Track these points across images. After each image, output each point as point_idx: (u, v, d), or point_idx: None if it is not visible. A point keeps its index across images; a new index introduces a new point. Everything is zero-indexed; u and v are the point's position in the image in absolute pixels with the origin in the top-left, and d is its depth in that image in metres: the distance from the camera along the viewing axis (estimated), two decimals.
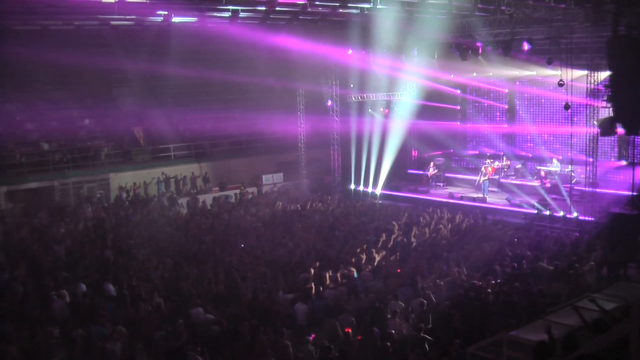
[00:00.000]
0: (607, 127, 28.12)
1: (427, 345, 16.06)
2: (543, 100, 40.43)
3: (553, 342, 10.95)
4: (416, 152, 45.89)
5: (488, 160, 39.81)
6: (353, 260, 23.18)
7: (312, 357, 15.87)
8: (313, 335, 17.11)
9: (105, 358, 16.42)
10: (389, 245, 25.59)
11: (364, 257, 23.37)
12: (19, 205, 36.21)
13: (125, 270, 23.30)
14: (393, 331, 16.69)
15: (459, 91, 44.57)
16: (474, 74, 41.21)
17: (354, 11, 34.53)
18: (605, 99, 28.55)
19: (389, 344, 15.94)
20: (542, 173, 36.66)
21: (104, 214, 33.61)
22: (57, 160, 38.44)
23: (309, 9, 33.54)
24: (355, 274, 21.58)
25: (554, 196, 35.00)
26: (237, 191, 39.79)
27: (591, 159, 31.54)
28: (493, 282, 20.45)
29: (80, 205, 36.15)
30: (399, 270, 22.16)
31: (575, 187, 33.77)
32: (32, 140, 39.63)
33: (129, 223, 31.88)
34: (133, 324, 18.40)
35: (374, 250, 24.40)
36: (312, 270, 21.55)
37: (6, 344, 16.73)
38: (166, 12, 32.33)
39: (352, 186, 42.18)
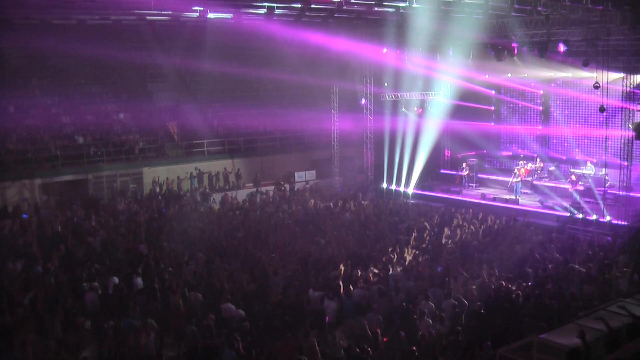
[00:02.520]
0: None
1: (457, 347, 16.01)
2: (578, 103, 40.10)
3: (587, 347, 10.87)
4: (449, 152, 45.73)
5: (521, 162, 39.59)
6: (384, 259, 23.18)
7: (340, 355, 15.87)
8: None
9: (136, 351, 16.55)
10: (422, 246, 25.56)
11: (395, 256, 23.35)
12: (53, 198, 36.57)
13: (157, 264, 23.47)
14: (422, 332, 16.67)
15: (493, 92, 44.33)
16: (509, 75, 41.04)
17: (389, 10, 34.48)
18: None
19: (416, 345, 15.92)
20: (573, 177, 36.35)
21: (137, 208, 33.84)
22: (92, 154, 38.76)
23: (345, 7, 33.53)
24: (388, 273, 21.59)
25: (588, 199, 34.75)
26: (269, 188, 39.86)
27: (626, 163, 31.22)
28: (525, 284, 20.37)
29: (113, 199, 36.46)
30: (427, 270, 22.12)
31: (609, 191, 33.49)
32: (68, 133, 40.00)
33: (162, 217, 32.10)
34: (163, 318, 18.52)
35: (405, 249, 24.38)
36: (342, 269, 21.55)
37: (45, 339, 16.94)
38: (202, 8, 32.44)
39: (385, 185, 42.12)
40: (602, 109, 30.70)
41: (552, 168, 39.75)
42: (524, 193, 37.60)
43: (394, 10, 34.37)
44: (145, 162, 40.25)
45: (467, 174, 41.23)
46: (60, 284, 21.53)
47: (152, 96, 45.09)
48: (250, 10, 35.07)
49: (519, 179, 37.57)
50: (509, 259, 23.51)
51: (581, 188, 35.84)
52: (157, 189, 38.57)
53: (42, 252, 25.68)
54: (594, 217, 31.54)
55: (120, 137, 41.16)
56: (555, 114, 41.56)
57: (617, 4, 27.85)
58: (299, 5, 33.81)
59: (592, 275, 21.39)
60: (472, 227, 28.42)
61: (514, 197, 36.40)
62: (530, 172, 38.85)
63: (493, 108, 44.87)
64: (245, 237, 27.58)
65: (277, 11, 34.27)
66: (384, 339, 16.74)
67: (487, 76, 41.51)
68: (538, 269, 22.12)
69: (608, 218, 30.96)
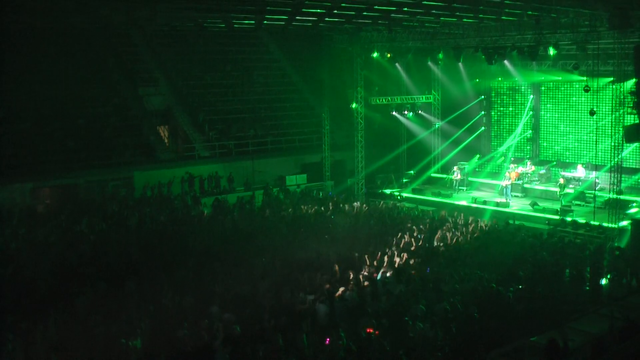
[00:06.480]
0: (632, 134, 28.03)
1: (448, 351, 16.02)
2: (568, 106, 40.21)
3: (566, 347, 10.91)
4: (440, 155, 45.77)
5: (512, 165, 39.73)
6: (375, 262, 23.19)
7: (332, 358, 15.85)
8: (328, 340, 17.04)
9: (127, 355, 16.51)
10: (412, 248, 25.57)
11: (386, 259, 23.37)
12: (44, 202, 36.43)
13: (149, 268, 23.41)
14: (413, 335, 16.67)
15: (484, 95, 44.42)
16: (500, 78, 41.25)
17: (379, 14, 34.46)
18: (631, 105, 28.49)
19: (407, 349, 15.91)
20: (562, 180, 36.49)
21: (128, 212, 33.76)
22: (83, 158, 38.61)
23: (335, 11, 33.57)
24: (379, 277, 21.60)
25: (578, 202, 34.89)
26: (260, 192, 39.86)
27: (616, 166, 31.33)
28: (516, 287, 20.41)
29: (104, 203, 36.34)
30: (418, 274, 22.14)
31: (599, 194, 33.61)
32: (58, 137, 39.79)
33: (153, 221, 32.04)
34: (155, 322, 18.48)
35: (396, 253, 24.38)
36: (334, 272, 21.56)
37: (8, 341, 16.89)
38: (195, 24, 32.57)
39: (376, 188, 42.21)
40: (592, 112, 30.87)
41: (542, 171, 39.85)
42: (515, 196, 37.64)
43: (383, 14, 34.39)
44: (137, 166, 40.09)
45: (458, 177, 41.23)
46: (51, 288, 21.50)
47: (143, 100, 44.96)
48: (241, 22, 35.28)
49: (509, 182, 37.62)
50: (500, 262, 23.54)
51: (571, 191, 35.96)
52: (148, 193, 38.42)
53: (33, 256, 25.58)
54: (585, 220, 31.63)
55: (112, 142, 40.99)
56: (545, 117, 41.69)
57: (608, 7, 27.93)
58: (289, 9, 33.81)
59: (583, 278, 21.47)
60: (463, 230, 28.47)
61: (504, 201, 36.44)
62: (520, 175, 38.91)
63: (484, 111, 44.91)
64: (236, 241, 27.57)
65: (265, 22, 34.36)
66: (377, 337, 16.72)
67: (477, 80, 41.73)
68: (529, 272, 22.15)
69: (598, 221, 31.03)
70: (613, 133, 31.24)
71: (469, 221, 30.47)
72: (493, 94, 44.66)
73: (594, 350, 10.12)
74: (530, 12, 30.44)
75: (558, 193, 35.98)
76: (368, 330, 16.81)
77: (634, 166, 36.84)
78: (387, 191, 41.93)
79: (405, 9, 31.72)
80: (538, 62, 34.89)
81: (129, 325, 17.68)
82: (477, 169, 43.68)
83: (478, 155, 43.84)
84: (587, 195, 35.17)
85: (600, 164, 35.24)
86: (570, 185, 36.74)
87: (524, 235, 28.30)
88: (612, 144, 31.31)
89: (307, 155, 45.69)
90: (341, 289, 20.11)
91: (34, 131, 38.72)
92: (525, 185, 38.79)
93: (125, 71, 45.44)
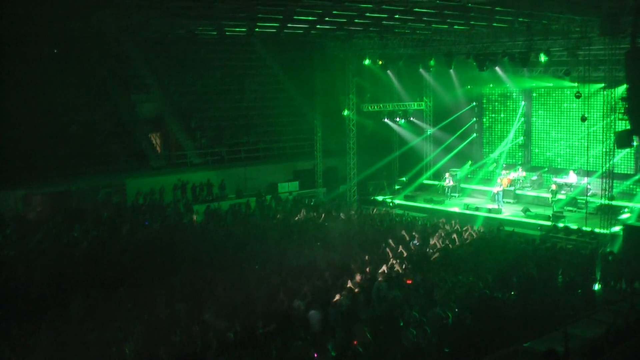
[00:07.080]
0: (624, 140, 28.09)
1: (441, 356, 16.00)
2: (560, 112, 40.30)
3: (567, 353, 10.92)
4: (432, 162, 45.81)
5: (504, 172, 39.79)
6: (368, 269, 23.18)
7: None
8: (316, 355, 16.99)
9: None
10: (404, 255, 25.57)
11: (379, 266, 23.36)
12: (36, 209, 36.29)
13: (141, 275, 23.37)
14: (405, 342, 16.65)
15: (475, 102, 44.47)
16: (491, 85, 41.32)
17: (369, 21, 34.54)
18: (623, 111, 28.56)
19: (399, 355, 15.90)
20: (554, 186, 36.59)
21: (121, 219, 33.67)
22: (74, 165, 38.47)
23: (327, 19, 33.62)
24: (372, 283, 21.59)
25: (570, 208, 34.95)
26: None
27: (608, 172, 31.39)
28: (509, 293, 20.42)
29: (96, 210, 36.23)
30: (409, 281, 22.14)
31: (591, 200, 33.67)
32: (50, 144, 39.63)
33: (145, 228, 31.98)
34: (148, 328, 18.45)
35: (389, 259, 24.39)
36: (327, 278, 21.55)
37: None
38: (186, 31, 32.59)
39: (368, 195, 42.23)
40: (583, 119, 30.96)
41: (534, 177, 39.93)
42: (507, 202, 37.68)
43: (374, 21, 34.44)
44: (129, 173, 39.96)
45: (450, 184, 41.26)
46: (43, 295, 21.44)
47: (135, 107, 44.86)
48: (233, 29, 35.28)
49: (501, 188, 37.65)
50: (492, 268, 23.55)
51: (563, 197, 36.04)
52: (140, 200, 38.31)
53: (26, 263, 25.51)
54: (577, 226, 31.70)
55: (104, 148, 40.87)
56: (537, 124, 41.78)
57: (598, 13, 28.03)
58: (281, 17, 33.85)
59: (576, 284, 21.51)
60: (455, 236, 28.48)
61: (496, 207, 36.48)
62: (512, 182, 38.98)
63: (475, 118, 44.97)
64: (229, 248, 27.53)
65: (257, 29, 34.38)
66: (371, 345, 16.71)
67: (469, 87, 41.83)
68: (522, 278, 22.17)
69: (590, 227, 31.08)
70: (604, 139, 31.30)
71: (461, 228, 30.49)
72: (484, 101, 44.75)
73: (589, 355, 10.12)
74: (521, 19, 30.55)
75: (550, 199, 36.09)
76: (354, 343, 16.75)
77: (625, 172, 36.92)
78: (380, 198, 41.98)
79: (397, 16, 31.80)
80: (529, 68, 34.98)
81: (121, 331, 17.64)
82: (469, 176, 43.73)
83: (470, 162, 43.83)
84: (579, 201, 35.25)
85: (591, 170, 35.33)
86: (562, 191, 36.82)
87: (516, 242, 28.36)
88: (604, 150, 31.37)
89: (299, 162, 45.64)
90: (335, 295, 20.10)
91: (25, 138, 38.50)
92: (517, 192, 38.85)
93: (117, 78, 45.29)
